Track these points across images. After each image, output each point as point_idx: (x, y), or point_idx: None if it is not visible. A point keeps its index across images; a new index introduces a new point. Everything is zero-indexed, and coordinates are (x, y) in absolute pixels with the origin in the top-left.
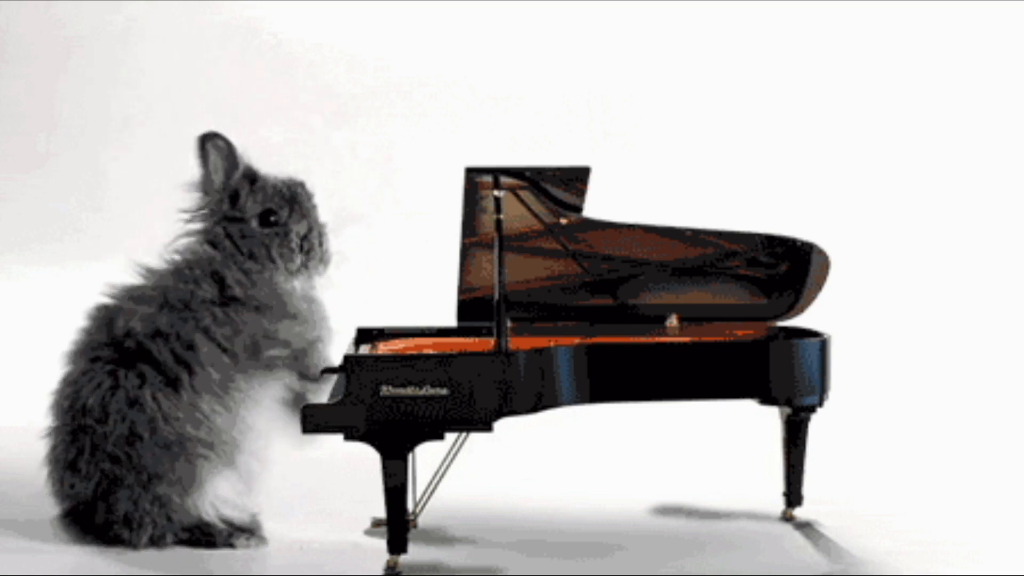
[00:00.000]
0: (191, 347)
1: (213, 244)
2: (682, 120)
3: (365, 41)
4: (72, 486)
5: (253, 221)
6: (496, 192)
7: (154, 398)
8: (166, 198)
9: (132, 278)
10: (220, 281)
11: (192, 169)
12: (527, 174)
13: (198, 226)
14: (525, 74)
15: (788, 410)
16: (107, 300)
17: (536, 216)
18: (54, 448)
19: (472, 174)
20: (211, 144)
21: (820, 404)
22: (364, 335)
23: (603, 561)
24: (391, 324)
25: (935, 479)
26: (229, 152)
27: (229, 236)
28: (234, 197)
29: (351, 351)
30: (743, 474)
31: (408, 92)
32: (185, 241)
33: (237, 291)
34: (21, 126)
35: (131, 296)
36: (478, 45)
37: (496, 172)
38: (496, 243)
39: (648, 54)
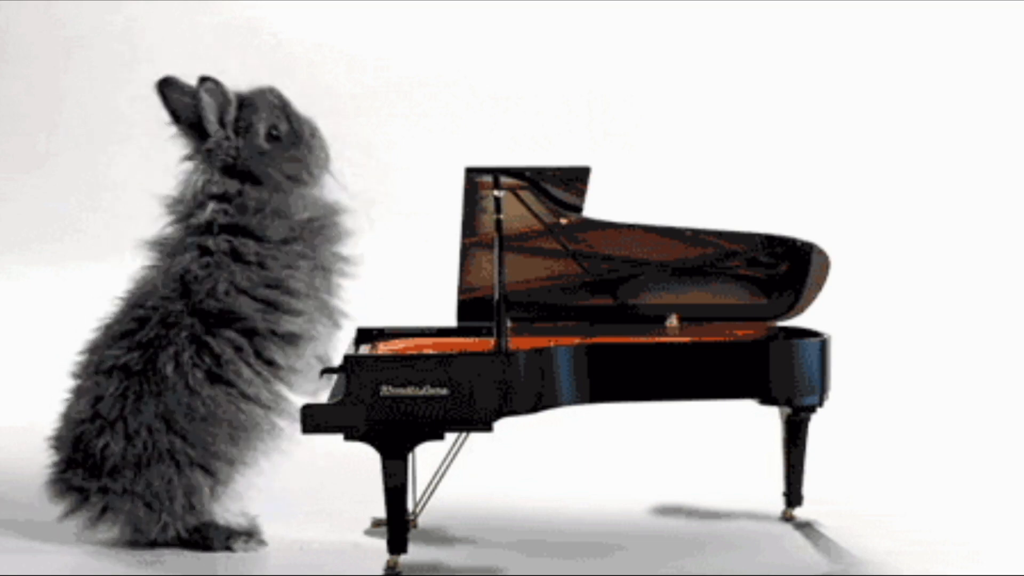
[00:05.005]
0: (279, 286)
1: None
2: (682, 120)
3: (365, 41)
4: (106, 446)
5: (261, 142)
6: (496, 192)
7: (238, 372)
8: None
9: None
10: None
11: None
12: (527, 174)
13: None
14: (525, 74)
15: (788, 410)
16: (158, 262)
17: (536, 216)
18: (95, 402)
19: (472, 174)
20: (203, 89)
21: (820, 404)
22: (364, 335)
23: (603, 561)
24: (391, 324)
25: (935, 479)
26: (221, 91)
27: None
28: (247, 128)
29: (351, 351)
30: (743, 474)
31: (408, 92)
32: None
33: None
34: (21, 126)
35: (191, 246)
36: (478, 45)
37: (496, 172)
38: (496, 243)
39: (648, 54)
